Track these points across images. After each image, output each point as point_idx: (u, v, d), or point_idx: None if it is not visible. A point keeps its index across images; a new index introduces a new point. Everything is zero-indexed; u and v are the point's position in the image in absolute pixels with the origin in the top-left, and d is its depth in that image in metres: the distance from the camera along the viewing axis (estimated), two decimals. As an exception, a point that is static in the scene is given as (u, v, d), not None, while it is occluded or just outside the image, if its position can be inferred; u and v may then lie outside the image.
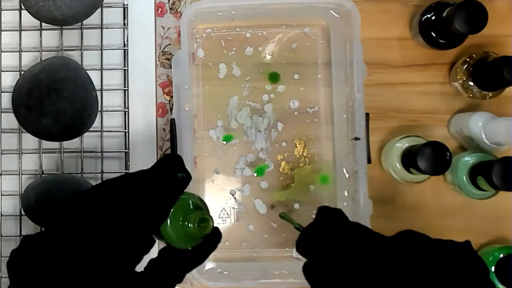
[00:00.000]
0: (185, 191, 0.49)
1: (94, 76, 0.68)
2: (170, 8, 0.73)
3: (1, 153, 0.70)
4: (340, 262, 0.48)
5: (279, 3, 0.68)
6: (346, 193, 0.69)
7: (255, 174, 0.70)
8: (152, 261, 0.48)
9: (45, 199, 0.66)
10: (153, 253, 0.48)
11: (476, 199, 0.67)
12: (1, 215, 0.70)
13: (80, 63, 0.69)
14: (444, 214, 0.71)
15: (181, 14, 0.72)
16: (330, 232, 0.50)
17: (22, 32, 0.70)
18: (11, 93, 0.66)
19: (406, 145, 0.67)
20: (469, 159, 0.66)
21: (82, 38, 0.71)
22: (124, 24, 0.71)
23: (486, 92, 0.67)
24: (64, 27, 0.70)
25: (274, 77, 0.71)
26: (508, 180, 0.60)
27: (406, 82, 0.72)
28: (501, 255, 0.66)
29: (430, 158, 0.62)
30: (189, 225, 0.47)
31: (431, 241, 0.48)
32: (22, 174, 0.70)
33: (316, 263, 0.50)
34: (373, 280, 0.45)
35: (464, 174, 0.66)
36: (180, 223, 0.47)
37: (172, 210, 0.48)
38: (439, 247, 0.47)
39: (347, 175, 0.69)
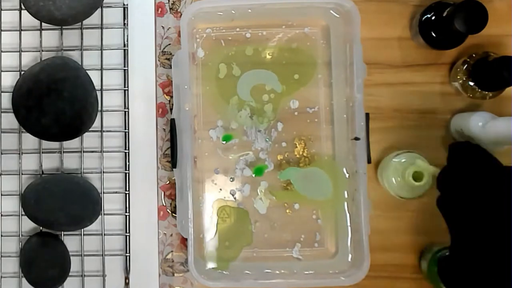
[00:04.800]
0: None
1: (94, 76, 0.68)
2: (170, 8, 0.73)
3: (1, 153, 0.71)
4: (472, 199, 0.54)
5: (279, 3, 0.68)
6: (346, 193, 0.69)
7: (253, 175, 0.70)
8: None
9: (45, 199, 0.66)
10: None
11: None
12: (1, 215, 0.70)
13: (80, 63, 0.69)
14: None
15: (181, 14, 0.72)
16: (461, 172, 0.57)
17: (22, 32, 0.70)
18: (11, 93, 0.66)
19: (403, 160, 0.67)
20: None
21: (82, 38, 0.71)
22: (124, 24, 0.71)
23: (486, 92, 0.67)
24: (64, 27, 0.70)
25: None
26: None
27: (406, 82, 0.71)
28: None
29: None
30: None
31: None
32: (22, 174, 0.70)
33: (449, 198, 0.57)
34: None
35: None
36: None
37: None
38: None
39: (347, 175, 0.69)
